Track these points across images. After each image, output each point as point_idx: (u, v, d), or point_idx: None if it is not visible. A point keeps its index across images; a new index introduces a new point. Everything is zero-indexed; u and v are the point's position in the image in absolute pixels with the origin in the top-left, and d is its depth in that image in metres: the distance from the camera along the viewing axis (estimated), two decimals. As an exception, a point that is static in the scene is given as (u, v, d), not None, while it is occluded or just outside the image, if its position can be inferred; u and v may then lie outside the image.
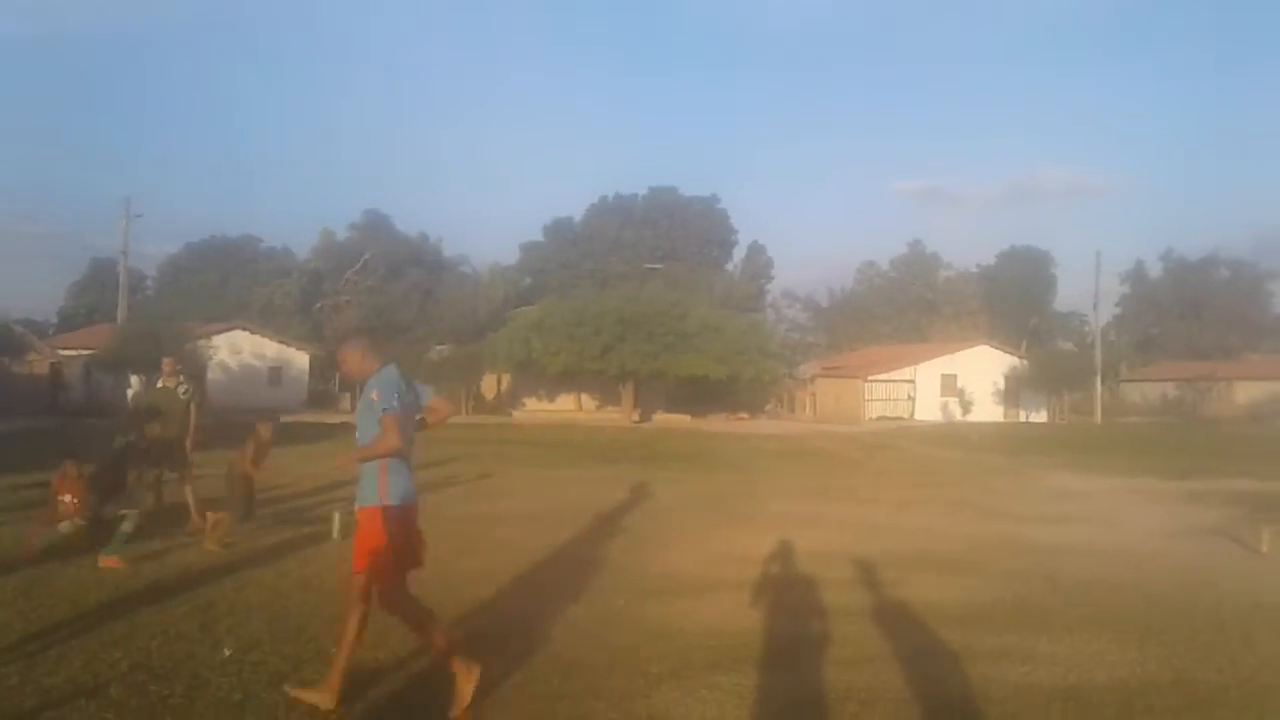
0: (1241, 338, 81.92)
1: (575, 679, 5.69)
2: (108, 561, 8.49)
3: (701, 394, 50.74)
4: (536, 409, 51.06)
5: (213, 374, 48.12)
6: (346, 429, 31.13)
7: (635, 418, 45.90)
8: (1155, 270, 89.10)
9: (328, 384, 57.77)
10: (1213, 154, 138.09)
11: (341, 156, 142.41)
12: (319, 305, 70.55)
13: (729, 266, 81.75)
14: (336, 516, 10.58)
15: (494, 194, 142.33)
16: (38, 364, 45.01)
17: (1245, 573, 9.66)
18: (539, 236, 79.83)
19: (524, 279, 76.60)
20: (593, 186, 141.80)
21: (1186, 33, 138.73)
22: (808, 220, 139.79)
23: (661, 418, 48.00)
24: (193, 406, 11.31)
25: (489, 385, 54.64)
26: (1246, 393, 61.14)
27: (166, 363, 11.57)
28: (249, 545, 9.78)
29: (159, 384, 11.39)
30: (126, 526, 8.92)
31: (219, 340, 49.19)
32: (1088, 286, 57.99)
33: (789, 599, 8.11)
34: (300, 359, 56.06)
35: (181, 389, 11.24)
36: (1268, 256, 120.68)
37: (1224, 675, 6.02)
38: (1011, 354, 56.31)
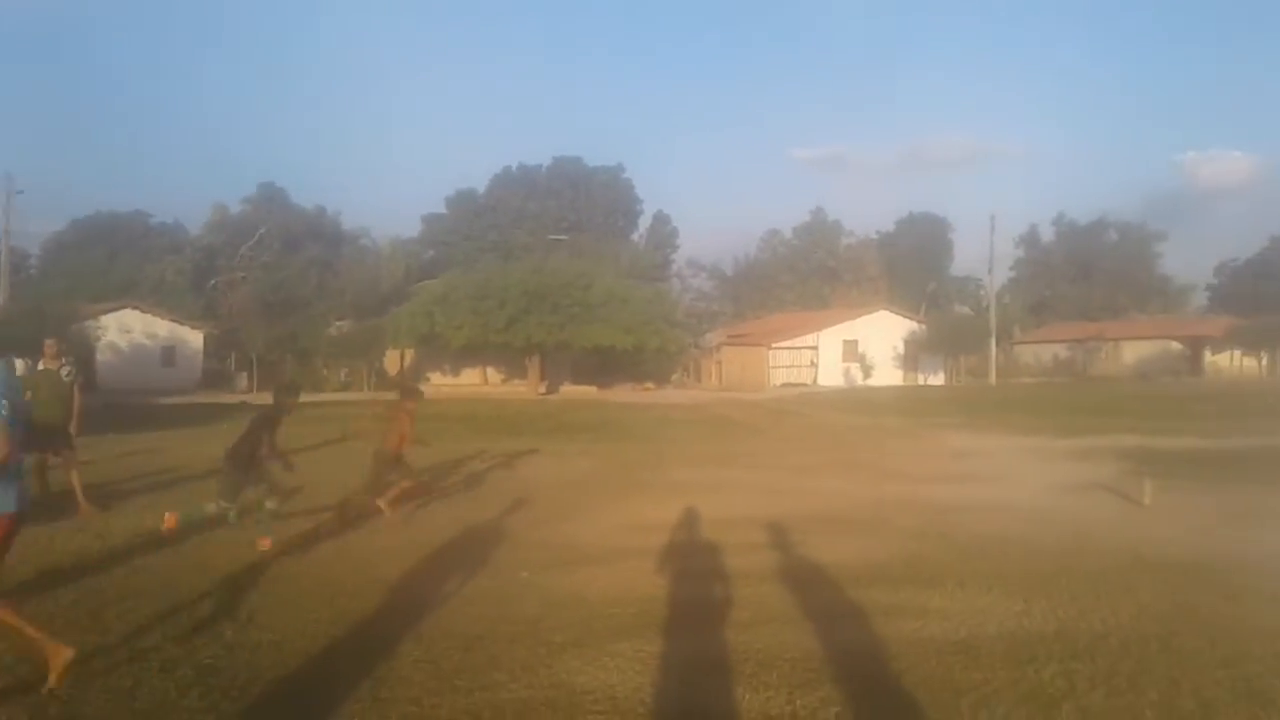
0: (1129, 298, 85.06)
1: (476, 652, 5.68)
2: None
3: (608, 365, 50.84)
4: (441, 384, 50.52)
5: (103, 355, 46.52)
6: (245, 410, 30.55)
7: (542, 390, 45.79)
8: (1048, 234, 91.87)
9: (223, 363, 56.36)
10: (1104, 118, 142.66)
11: (234, 128, 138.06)
12: (213, 282, 68.56)
13: (634, 236, 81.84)
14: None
15: (395, 165, 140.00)
16: (-87, 348, 42.99)
17: (1128, 525, 10.07)
18: (441, 208, 78.86)
19: (426, 252, 75.57)
20: (496, 157, 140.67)
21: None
22: (712, 189, 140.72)
23: (568, 389, 47.98)
24: (76, 389, 10.96)
25: (392, 361, 53.88)
26: (1134, 352, 63.65)
27: (48, 344, 11.18)
28: (139, 530, 9.50)
29: (40, 366, 10.99)
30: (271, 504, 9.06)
31: (108, 320, 47.53)
32: (983, 251, 59.48)
33: (692, 565, 8.19)
34: (194, 338, 54.53)
35: (64, 371, 10.89)
36: (1155, 218, 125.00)
37: (1105, 624, 6.27)
38: (911, 319, 57.56)
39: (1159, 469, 13.11)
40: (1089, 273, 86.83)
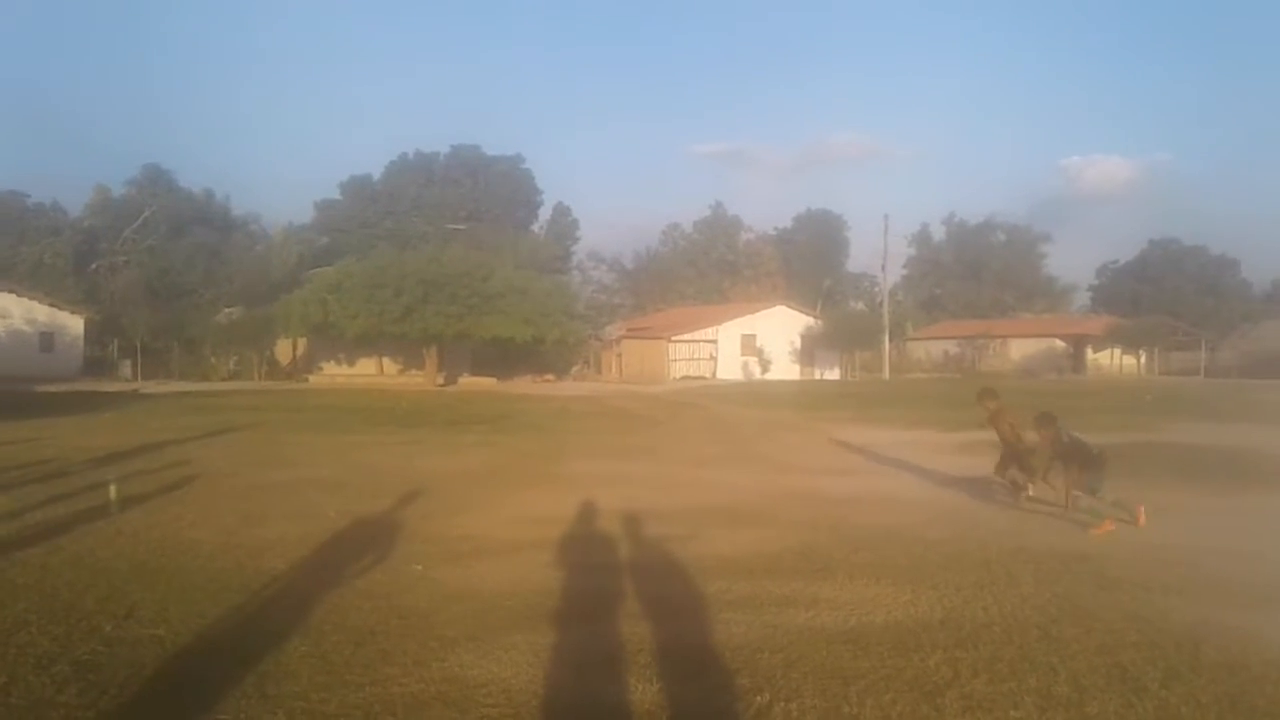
0: (1016, 297, 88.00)
1: (367, 646, 5.59)
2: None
3: (507, 356, 50.54)
4: (335, 374, 49.61)
5: (-24, 340, 44.54)
6: (126, 398, 29.56)
7: (439, 381, 45.29)
8: (939, 234, 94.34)
9: (105, 350, 54.38)
10: (994, 121, 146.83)
11: (118, 106, 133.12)
12: (95, 266, 66.02)
13: (534, 227, 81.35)
14: (113, 489, 9.99)
15: (287, 149, 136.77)
16: None
17: (1012, 517, 10.39)
18: (336, 194, 77.24)
19: (320, 239, 73.97)
20: (393, 143, 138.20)
21: (966, 3, 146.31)
22: (613, 182, 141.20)
23: (466, 381, 47.57)
24: None
25: (283, 350, 52.68)
26: (1020, 349, 65.88)
27: None
28: (14, 522, 9.13)
29: None
30: None
31: (-18, 304, 45.52)
32: (877, 249, 60.62)
33: (587, 557, 8.19)
34: (75, 323, 52.51)
35: None
36: (1040, 220, 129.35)
37: (989, 613, 6.46)
38: (807, 314, 58.50)
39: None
40: (978, 272, 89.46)
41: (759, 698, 4.85)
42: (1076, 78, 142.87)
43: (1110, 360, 63.17)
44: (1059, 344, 65.17)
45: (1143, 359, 62.41)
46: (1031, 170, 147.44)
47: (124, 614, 6.13)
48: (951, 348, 69.24)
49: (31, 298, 51.15)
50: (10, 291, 50.32)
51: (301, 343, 51.27)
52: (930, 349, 70.90)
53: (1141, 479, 12.73)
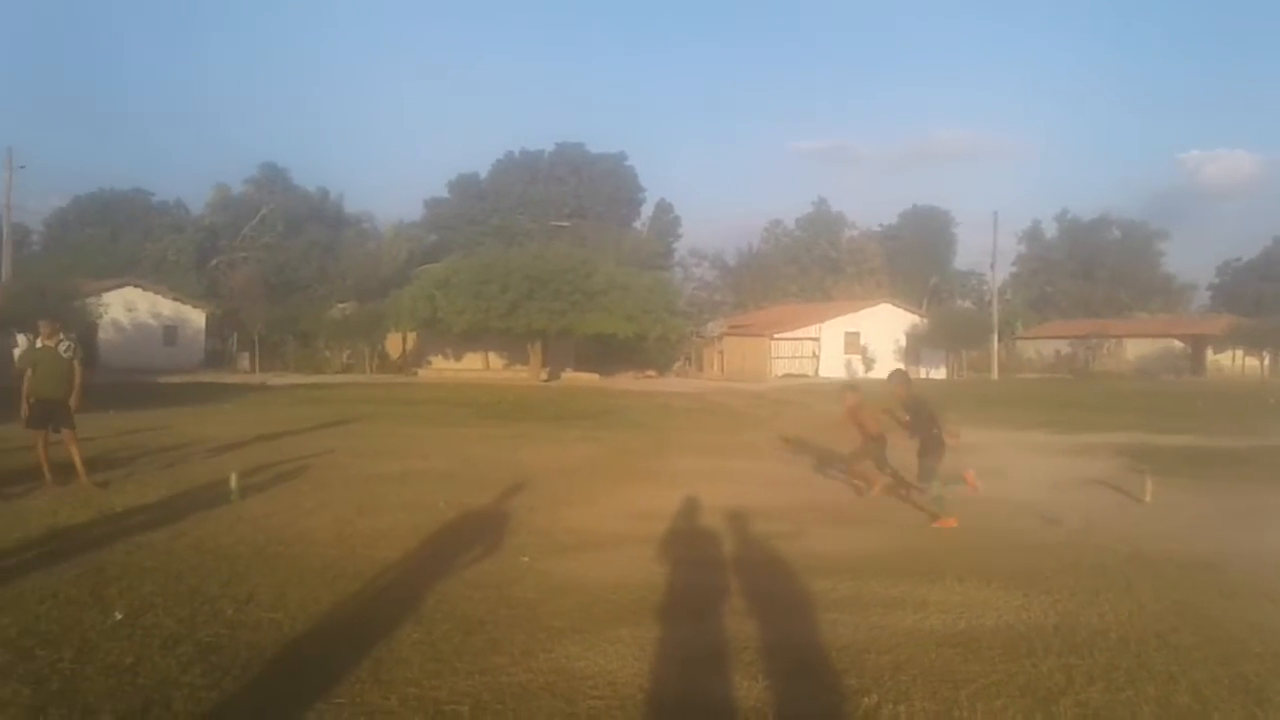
0: (1131, 296, 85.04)
1: (476, 635, 5.69)
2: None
3: (609, 352, 50.82)
4: (443, 368, 50.56)
5: (105, 333, 46.57)
6: (245, 389, 30.58)
7: (543, 376, 45.80)
8: (1051, 230, 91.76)
9: (225, 343, 56.37)
10: (1108, 115, 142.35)
11: (237, 107, 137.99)
12: (215, 262, 68.51)
13: (637, 224, 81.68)
14: (234, 477, 10.36)
15: (398, 148, 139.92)
16: (-84, 323, 42.95)
17: (1128, 521, 10.07)
18: (444, 193, 78.69)
19: (428, 236, 75.44)
20: (499, 142, 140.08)
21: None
22: (715, 179, 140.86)
23: (569, 376, 47.98)
24: (77, 365, 11.01)
25: (394, 344, 53.90)
26: (1136, 349, 63.64)
27: (43, 324, 11.25)
28: (141, 507, 9.54)
29: (39, 344, 11.04)
30: None
31: (111, 297, 47.49)
32: (986, 246, 59.41)
33: (691, 553, 8.21)
34: (197, 317, 54.57)
35: (63, 347, 10.95)
36: (1157, 217, 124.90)
37: (1104, 620, 6.28)
38: (912, 312, 57.50)
39: (1160, 466, 13.10)
40: (1091, 270, 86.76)
41: (867, 699, 4.80)
42: (1195, 68, 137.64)
43: (1232, 362, 60.62)
44: (1177, 344, 62.80)
45: (1267, 360, 59.72)
46: (1148, 165, 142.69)
47: (245, 598, 6.35)
48: (1063, 347, 67.28)
49: (156, 292, 53.32)
50: (137, 286, 52.48)
51: (411, 337, 52.39)
52: (1041, 348, 69.03)
53: (1262, 483, 12.24)
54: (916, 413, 10.52)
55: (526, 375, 46.05)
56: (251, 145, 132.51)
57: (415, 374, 48.65)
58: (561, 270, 44.76)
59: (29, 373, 10.83)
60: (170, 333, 52.31)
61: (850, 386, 11.93)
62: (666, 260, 79.11)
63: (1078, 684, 5.05)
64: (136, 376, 35.71)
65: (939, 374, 55.07)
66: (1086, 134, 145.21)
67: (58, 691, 4.67)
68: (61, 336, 11.19)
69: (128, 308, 50.13)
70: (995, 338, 55.91)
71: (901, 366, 10.81)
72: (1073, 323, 73.87)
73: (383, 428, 19.28)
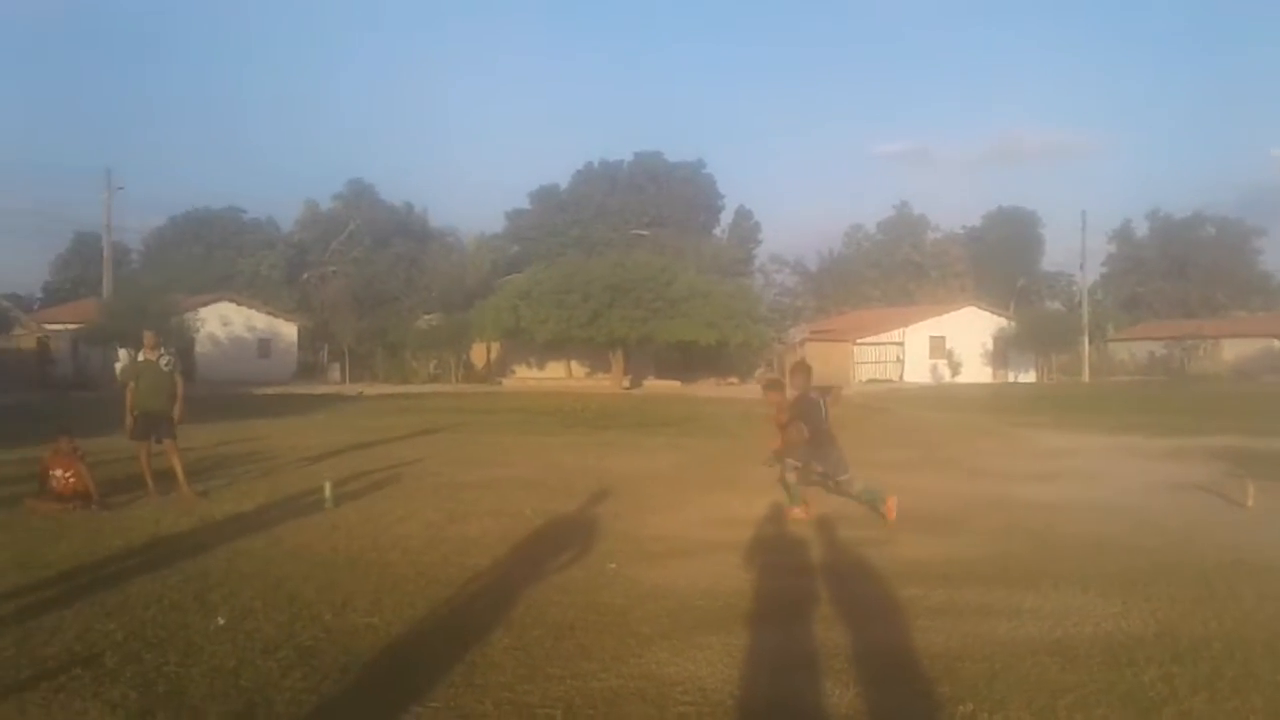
0: (1228, 295, 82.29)
1: (566, 641, 5.75)
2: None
3: (691, 360, 50.83)
4: (526, 377, 51.08)
5: (201, 346, 47.99)
6: (338, 400, 31.19)
7: (625, 384, 45.97)
8: (1142, 229, 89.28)
9: (316, 355, 57.71)
10: (1199, 111, 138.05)
11: (324, 126, 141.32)
12: (305, 276, 70.23)
13: (716, 231, 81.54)
14: (328, 486, 10.60)
15: (479, 162, 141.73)
16: (24, 339, 44.83)
17: (1230, 527, 9.76)
18: (525, 204, 79.50)
19: (511, 247, 76.28)
20: (578, 153, 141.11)
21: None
22: (795, 185, 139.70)
23: (651, 384, 48.09)
24: (178, 378, 11.35)
25: (478, 354, 54.62)
26: (1233, 350, 61.58)
27: (147, 336, 11.60)
28: (239, 515, 9.82)
29: (141, 357, 11.40)
30: None
31: (207, 312, 49.02)
32: (1075, 246, 58.12)
33: (778, 559, 8.17)
34: (289, 330, 55.98)
35: (164, 360, 11.27)
36: (1253, 214, 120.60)
37: (1208, 628, 6.10)
38: (999, 315, 56.48)
39: (1262, 470, 12.67)
40: (1185, 269, 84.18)
41: (962, 708, 4.73)
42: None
43: (1337, 362, 58.37)
44: (1278, 344, 60.62)
45: (1375, 359, 57.34)
46: (1243, 160, 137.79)
47: (341, 603, 6.50)
48: (1157, 349, 65.41)
49: (250, 306, 54.89)
50: (231, 301, 54.07)
51: (495, 347, 53.04)
52: (1134, 350, 67.22)
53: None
54: (805, 413, 10.29)
55: (608, 383, 46.26)
56: (339, 162, 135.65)
57: (499, 383, 49.22)
58: (642, 278, 44.91)
59: (131, 385, 11.21)
60: (264, 345, 53.74)
61: (773, 382, 11.65)
62: (747, 267, 78.84)
63: (1181, 694, 4.92)
64: (232, 388, 36.73)
65: (1028, 377, 54.00)
66: (1177, 129, 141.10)
67: (164, 694, 4.84)
68: (163, 350, 11.54)
69: (223, 322, 51.64)
70: (1086, 340, 54.66)
71: (774, 374, 10.69)
72: (1166, 323, 71.80)
73: (469, 436, 19.54)
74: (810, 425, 10.26)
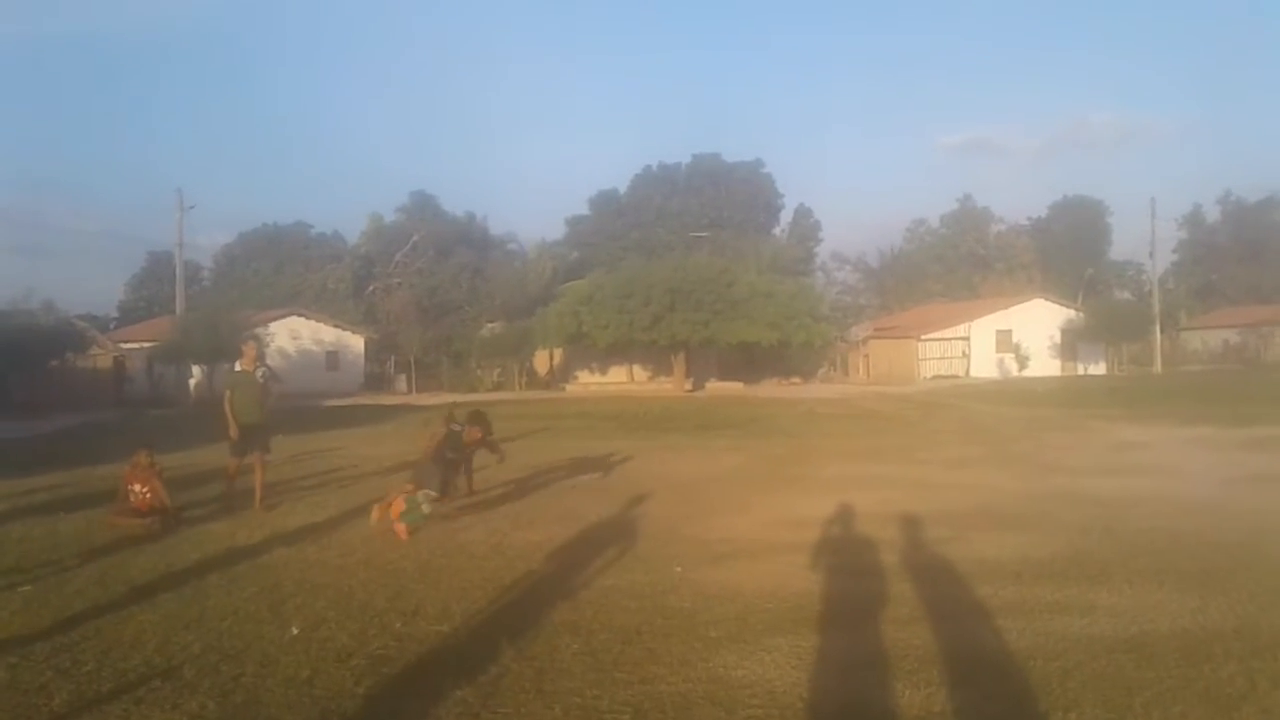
0: (1305, 280, 79.89)
1: (634, 645, 5.78)
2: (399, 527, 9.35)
3: (753, 360, 50.63)
4: (589, 382, 51.28)
5: (272, 360, 48.69)
6: (403, 410, 31.56)
7: (688, 387, 45.94)
8: (1213, 214, 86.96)
9: (383, 366, 58.50)
10: (1268, 90, 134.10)
11: (386, 139, 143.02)
12: (371, 289, 71.26)
13: (776, 231, 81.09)
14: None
15: (539, 169, 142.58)
16: (100, 358, 46.00)
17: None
18: (584, 210, 79.85)
19: (571, 253, 76.64)
20: (636, 157, 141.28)
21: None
22: (855, 181, 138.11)
23: (714, 386, 47.99)
24: (272, 389, 11.53)
25: (541, 360, 54.97)
26: (1311, 337, 59.72)
27: (247, 347, 11.77)
28: (312, 527, 9.98)
29: (237, 368, 11.55)
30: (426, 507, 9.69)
31: (276, 327, 49.94)
32: (1144, 234, 57.04)
33: (846, 560, 8.13)
34: (356, 342, 56.82)
35: (260, 373, 11.43)
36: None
37: (1289, 621, 5.96)
38: (1067, 306, 55.45)
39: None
40: (1259, 253, 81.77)
41: (1035, 706, 4.68)
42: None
43: None
44: (1357, 328, 58.73)
45: None
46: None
47: (411, 611, 6.59)
48: (1232, 337, 63.62)
49: (318, 320, 55.82)
50: (300, 315, 55.05)
51: (558, 353, 53.33)
52: (1207, 339, 65.53)
53: None
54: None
55: (671, 386, 46.26)
56: (402, 175, 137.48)
57: (563, 389, 49.47)
58: (702, 281, 44.85)
59: (229, 394, 11.35)
60: (332, 358, 54.60)
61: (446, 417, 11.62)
62: (808, 265, 78.32)
63: (1261, 689, 4.81)
64: (302, 401, 37.34)
65: (1098, 369, 52.96)
66: (1247, 109, 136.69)
67: (241, 704, 4.95)
68: (260, 363, 11.69)
69: (292, 336, 52.56)
70: (1157, 329, 53.52)
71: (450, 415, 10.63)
72: (1241, 310, 69.79)
73: (532, 443, 19.65)
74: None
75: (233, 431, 11.14)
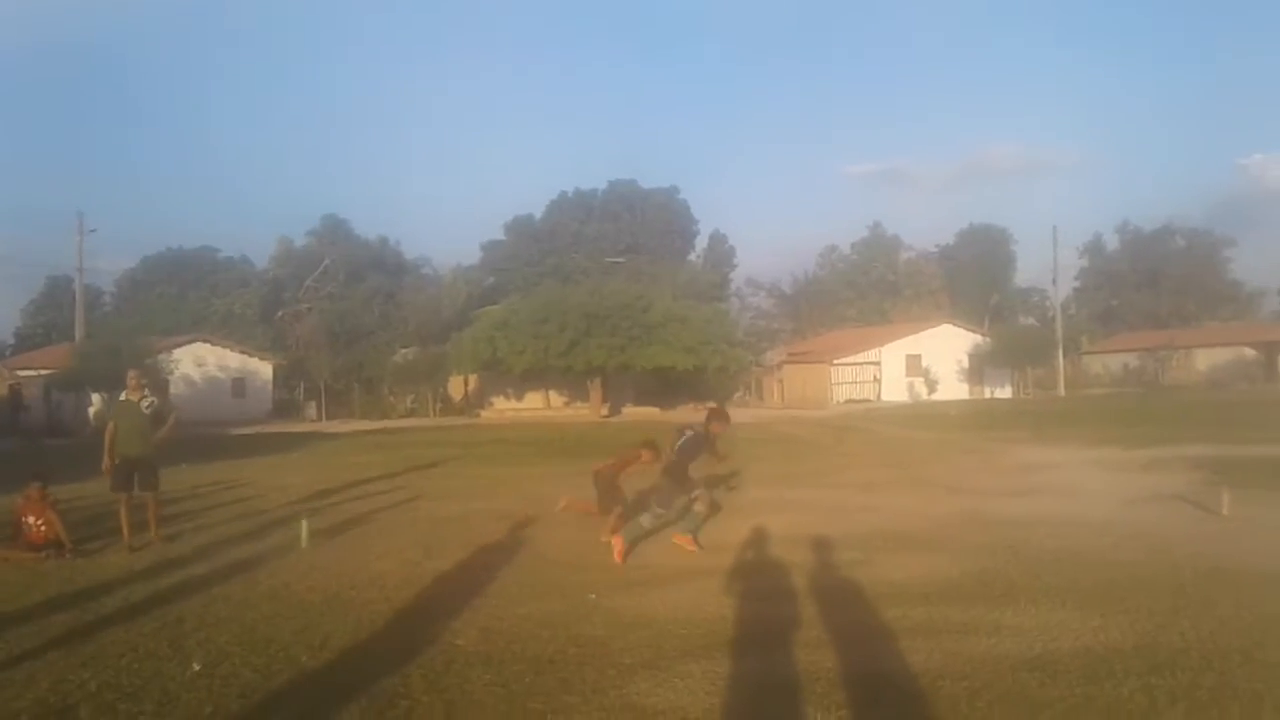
0: (1199, 305, 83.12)
1: (547, 674, 5.72)
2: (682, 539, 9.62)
3: (669, 385, 50.81)
4: (505, 408, 50.91)
5: (176, 388, 47.59)
6: (313, 438, 30.97)
7: (604, 412, 45.91)
8: (1112, 243, 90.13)
9: (292, 393, 57.36)
10: (1166, 123, 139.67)
11: (296, 162, 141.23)
12: (280, 314, 69.94)
13: (692, 257, 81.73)
14: (304, 525, 10.53)
15: (454, 194, 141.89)
16: (-4, 386, 44.38)
17: (1206, 536, 9.84)
18: (500, 235, 79.58)
19: (486, 278, 76.27)
20: (552, 182, 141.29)
21: (1134, 2, 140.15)
22: (769, 208, 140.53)
23: (630, 411, 48.06)
24: (174, 418, 11.16)
25: (456, 387, 54.44)
26: (1206, 359, 62.15)
27: (131, 376, 11.19)
28: (214, 560, 9.72)
29: (122, 397, 11.11)
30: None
31: (181, 353, 48.69)
32: (1046, 262, 58.75)
33: (759, 584, 8.16)
34: (264, 369, 55.66)
35: (145, 404, 10.97)
36: (1222, 224, 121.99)
37: (1185, 638, 6.13)
38: (974, 332, 56.86)
39: (1237, 479, 12.75)
40: (1156, 280, 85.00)
41: (942, 727, 4.74)
42: (1253, 70, 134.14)
43: (1309, 368, 59.02)
44: (1249, 352, 61.20)
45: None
46: (1209, 171, 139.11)
47: (319, 644, 6.44)
48: (1131, 361, 65.90)
49: (224, 346, 54.54)
50: (205, 341, 53.75)
51: (473, 379, 52.89)
52: (1108, 362, 67.76)
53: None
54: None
55: (587, 412, 46.19)
56: (313, 198, 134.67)
57: (478, 415, 49.06)
58: (618, 306, 44.96)
59: (111, 425, 10.94)
60: (239, 385, 53.37)
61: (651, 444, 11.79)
62: (723, 291, 79.00)
63: (1160, 705, 4.95)
64: (207, 429, 36.42)
65: (1004, 393, 54.31)
66: (1144, 142, 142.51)
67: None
68: (146, 393, 11.14)
69: (197, 363, 51.28)
70: (1060, 354, 55.09)
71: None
72: (1140, 335, 72.40)
73: (447, 470, 19.46)
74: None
75: (105, 463, 10.71)
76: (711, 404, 11.62)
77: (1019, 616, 6.80)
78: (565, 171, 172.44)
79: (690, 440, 10.26)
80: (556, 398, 52.05)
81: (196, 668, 5.94)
